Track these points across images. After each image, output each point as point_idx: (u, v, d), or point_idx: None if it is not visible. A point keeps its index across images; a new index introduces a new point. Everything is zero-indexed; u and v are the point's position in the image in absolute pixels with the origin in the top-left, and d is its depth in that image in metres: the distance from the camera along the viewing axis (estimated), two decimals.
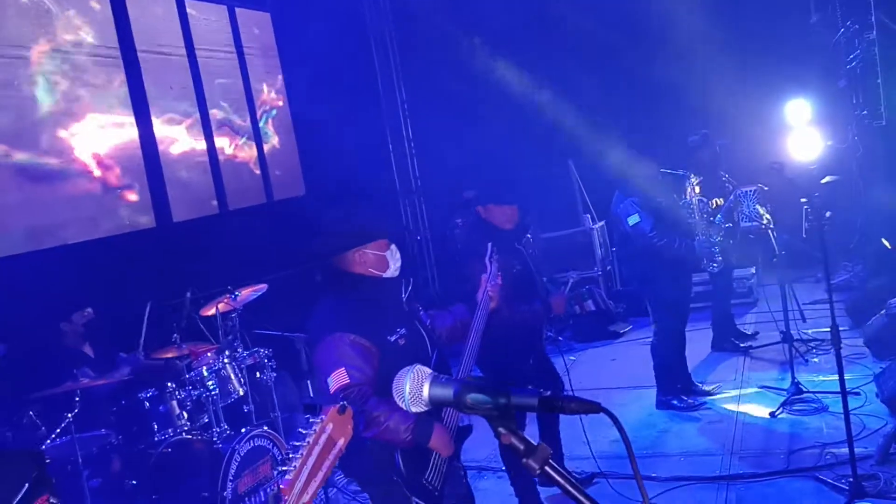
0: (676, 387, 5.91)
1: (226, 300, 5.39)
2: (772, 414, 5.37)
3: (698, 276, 6.90)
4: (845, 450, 4.15)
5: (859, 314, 6.65)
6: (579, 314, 8.54)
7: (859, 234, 7.97)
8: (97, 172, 6.59)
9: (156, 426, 4.75)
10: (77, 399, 4.42)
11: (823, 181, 5.53)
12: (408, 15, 9.60)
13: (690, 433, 5.43)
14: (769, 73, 7.91)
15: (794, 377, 5.54)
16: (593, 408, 1.39)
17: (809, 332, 6.72)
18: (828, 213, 4.48)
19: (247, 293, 5.56)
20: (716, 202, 6.19)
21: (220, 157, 8.00)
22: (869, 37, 6.61)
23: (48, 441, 4.33)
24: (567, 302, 4.49)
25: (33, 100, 6.14)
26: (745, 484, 4.50)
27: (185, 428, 4.85)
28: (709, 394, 5.98)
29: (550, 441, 4.58)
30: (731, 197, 6.16)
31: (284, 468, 1.62)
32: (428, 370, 1.55)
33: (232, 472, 4.40)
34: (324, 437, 1.64)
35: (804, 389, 5.47)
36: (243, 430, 4.73)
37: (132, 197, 6.95)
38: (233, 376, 5.17)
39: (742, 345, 6.97)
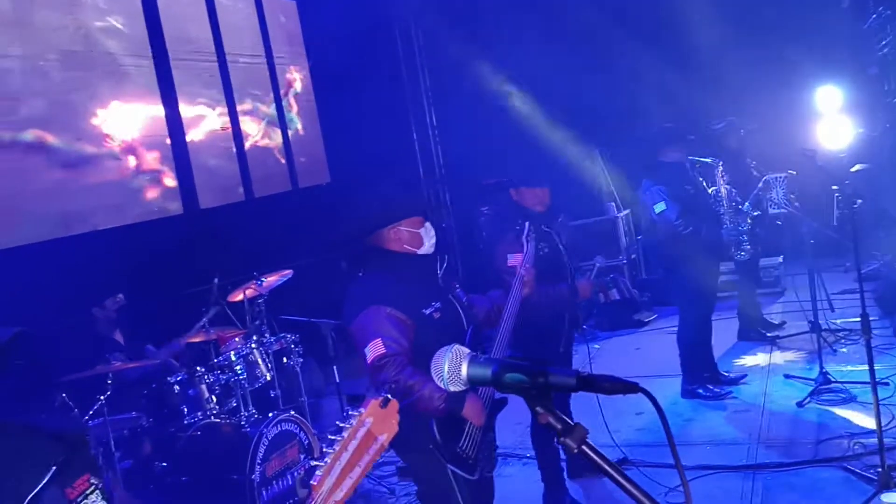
0: (703, 376, 5.87)
1: (252, 286, 5.43)
2: (799, 404, 5.31)
3: (724, 264, 6.85)
4: (874, 440, 4.10)
5: (888, 304, 6.58)
6: (603, 302, 8.49)
7: (890, 224, 7.86)
8: (127, 160, 6.67)
9: (185, 409, 4.83)
10: (109, 381, 4.50)
11: (853, 169, 5.46)
12: (432, 1, 9.57)
13: (716, 422, 5.39)
14: (799, 60, 7.79)
15: (822, 367, 5.49)
16: (632, 388, 1.40)
17: (838, 321, 6.65)
18: (858, 202, 4.43)
19: (272, 279, 5.61)
20: None
21: (246, 145, 8.06)
22: None
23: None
24: (592, 289, 4.48)
25: (63, 85, 6.21)
26: (771, 473, 4.46)
27: (214, 411, 4.92)
28: (735, 383, 5.93)
29: None
30: (761, 184, 6.10)
31: (316, 463, 1.48)
32: (466, 350, 1.56)
33: (260, 455, 4.44)
34: (362, 432, 1.50)
35: (832, 379, 5.41)
36: (270, 414, 4.77)
37: (166, 182, 7.03)
38: (260, 361, 5.23)
39: (769, 334, 6.91)
